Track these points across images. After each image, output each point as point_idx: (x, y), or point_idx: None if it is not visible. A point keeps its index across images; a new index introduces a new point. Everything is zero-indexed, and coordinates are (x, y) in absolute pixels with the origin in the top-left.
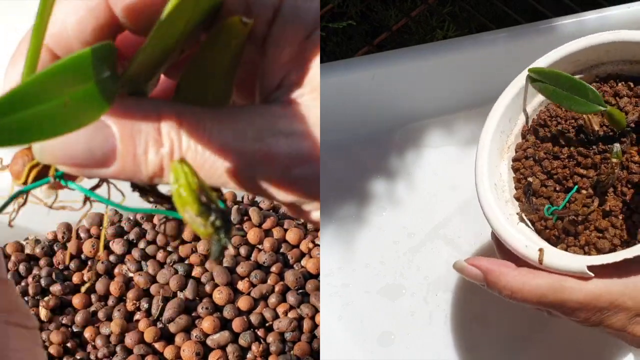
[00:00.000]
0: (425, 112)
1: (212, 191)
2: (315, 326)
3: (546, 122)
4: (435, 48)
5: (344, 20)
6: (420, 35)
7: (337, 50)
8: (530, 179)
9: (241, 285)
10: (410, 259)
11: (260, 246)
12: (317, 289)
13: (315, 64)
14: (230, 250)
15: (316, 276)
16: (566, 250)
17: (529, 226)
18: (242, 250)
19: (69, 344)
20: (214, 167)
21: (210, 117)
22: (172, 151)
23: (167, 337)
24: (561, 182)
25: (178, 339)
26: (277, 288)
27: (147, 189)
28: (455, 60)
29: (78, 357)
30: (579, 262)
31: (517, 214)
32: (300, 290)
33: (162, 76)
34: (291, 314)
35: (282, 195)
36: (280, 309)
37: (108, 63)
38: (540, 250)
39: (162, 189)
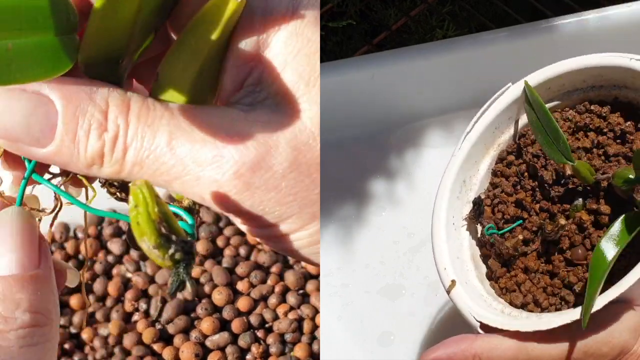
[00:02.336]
0: (425, 112)
1: (174, 220)
2: (315, 327)
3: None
4: (435, 48)
5: (343, 20)
6: (420, 34)
7: (337, 49)
8: (482, 195)
9: (241, 285)
10: (410, 259)
11: (260, 246)
12: (318, 289)
13: (282, 61)
14: (229, 251)
15: (317, 276)
16: (490, 281)
17: (473, 238)
18: (242, 251)
19: (66, 345)
20: (158, 163)
21: (162, 110)
22: (116, 137)
23: (165, 338)
24: (520, 207)
25: (177, 340)
26: (277, 289)
27: (114, 183)
28: (455, 60)
29: (76, 359)
30: (474, 315)
31: (466, 219)
32: (301, 291)
33: None
34: (291, 315)
35: (231, 205)
36: (280, 310)
37: (68, 25)
38: (453, 282)
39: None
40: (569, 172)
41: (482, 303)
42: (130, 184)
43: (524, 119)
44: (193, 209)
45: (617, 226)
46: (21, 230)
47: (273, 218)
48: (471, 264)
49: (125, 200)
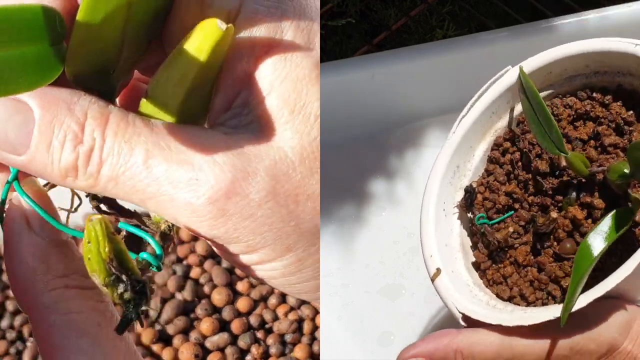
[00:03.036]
0: (424, 112)
1: (128, 258)
2: (315, 328)
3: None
4: (435, 47)
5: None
6: (420, 34)
7: (337, 49)
8: (474, 183)
9: (240, 286)
10: (410, 259)
11: None
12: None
13: (268, 85)
14: None
15: None
16: (478, 272)
17: (464, 227)
18: None
19: None
20: (134, 180)
21: (142, 126)
22: (91, 151)
23: (165, 339)
24: (512, 198)
25: (176, 341)
26: (276, 289)
27: (97, 195)
28: (455, 59)
29: None
30: (457, 306)
31: (457, 206)
32: None
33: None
34: (291, 316)
35: (205, 228)
36: (280, 311)
37: (55, 35)
38: (438, 270)
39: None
40: (563, 163)
41: (467, 293)
42: (87, 220)
43: (520, 105)
44: (168, 235)
45: (607, 221)
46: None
47: (247, 247)
48: (460, 253)
49: (107, 213)
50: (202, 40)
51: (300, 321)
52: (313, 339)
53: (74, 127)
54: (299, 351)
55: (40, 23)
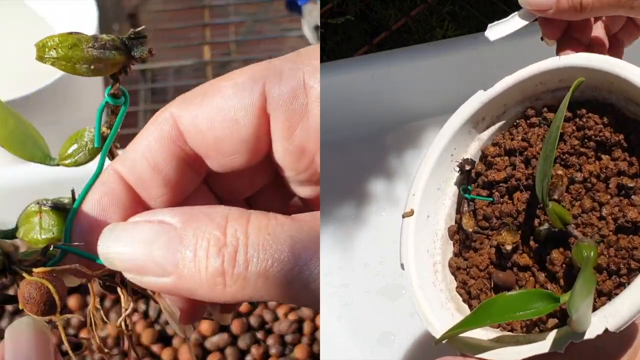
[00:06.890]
0: (424, 112)
1: None
2: (315, 328)
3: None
4: (435, 47)
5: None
6: (420, 34)
7: (337, 49)
8: (468, 157)
9: None
10: None
11: None
12: None
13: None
14: None
15: None
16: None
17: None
18: None
19: (64, 347)
20: (284, 270)
21: (283, 218)
22: (235, 252)
23: (164, 339)
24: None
25: (176, 341)
26: None
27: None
28: (455, 59)
29: None
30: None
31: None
32: None
33: None
34: (291, 316)
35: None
36: (280, 311)
37: None
38: (411, 210)
39: None
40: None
41: (430, 285)
42: None
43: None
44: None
45: (525, 295)
46: (35, 346)
47: None
48: (450, 200)
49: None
50: None
51: (300, 322)
52: (313, 339)
53: (216, 232)
54: (299, 352)
55: None
